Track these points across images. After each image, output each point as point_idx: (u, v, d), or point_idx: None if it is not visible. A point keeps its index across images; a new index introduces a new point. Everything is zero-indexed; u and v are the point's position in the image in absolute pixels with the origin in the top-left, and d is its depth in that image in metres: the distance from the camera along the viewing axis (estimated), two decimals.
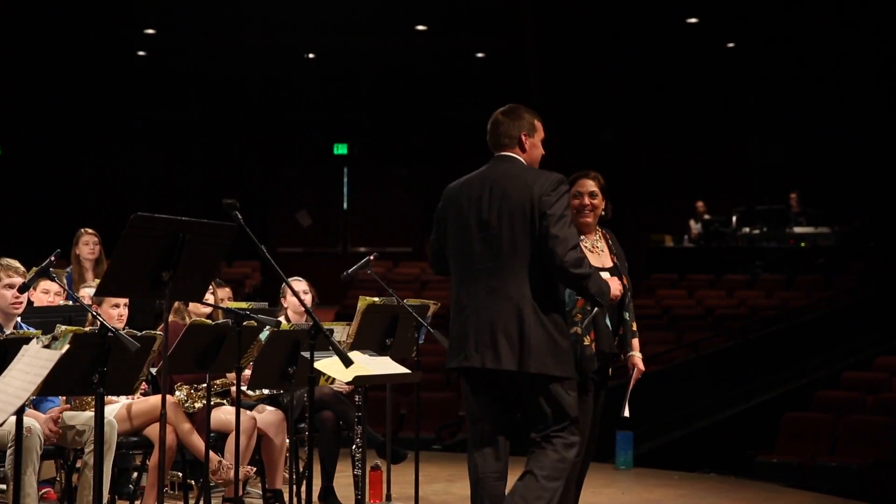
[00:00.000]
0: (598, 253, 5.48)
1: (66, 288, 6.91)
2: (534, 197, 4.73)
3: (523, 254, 4.74)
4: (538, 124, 4.97)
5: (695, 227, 20.41)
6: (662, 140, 21.22)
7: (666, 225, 20.58)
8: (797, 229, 19.57)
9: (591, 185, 5.47)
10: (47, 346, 4.81)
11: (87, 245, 8.55)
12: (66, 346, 4.76)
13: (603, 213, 5.51)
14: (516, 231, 4.75)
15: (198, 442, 6.11)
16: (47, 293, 7.02)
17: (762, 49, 20.29)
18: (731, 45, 20.45)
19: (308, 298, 7.15)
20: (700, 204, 20.54)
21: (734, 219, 20.26)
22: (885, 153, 19.92)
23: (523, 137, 4.92)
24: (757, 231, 19.94)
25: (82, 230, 8.65)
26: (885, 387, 12.58)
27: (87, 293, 6.82)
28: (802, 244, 19.44)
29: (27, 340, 4.90)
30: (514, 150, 4.93)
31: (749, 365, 14.65)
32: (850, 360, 14.68)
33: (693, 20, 19.53)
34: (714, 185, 21.01)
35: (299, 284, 7.23)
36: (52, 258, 5.23)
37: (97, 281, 6.97)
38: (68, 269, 8.56)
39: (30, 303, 6.67)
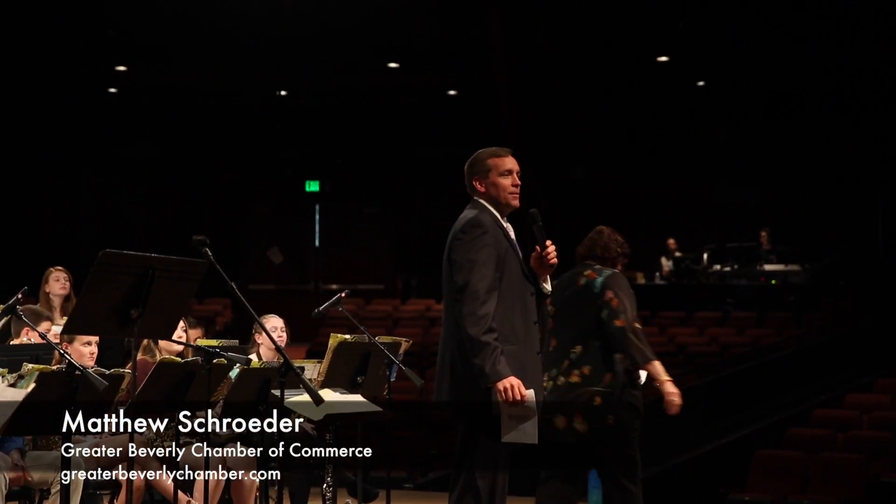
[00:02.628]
0: None
1: (33, 327, 6.83)
2: (449, 239, 4.91)
3: (449, 295, 4.88)
4: (492, 161, 5.07)
5: (666, 264, 20.45)
6: (633, 178, 21.30)
7: (637, 262, 20.56)
8: (768, 267, 19.63)
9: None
10: (13, 385, 4.75)
11: (59, 281, 8.43)
12: (32, 385, 4.71)
13: None
14: (445, 275, 4.92)
15: (165, 483, 6.04)
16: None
17: (732, 87, 20.44)
18: (701, 83, 20.59)
19: (283, 337, 7.16)
20: (671, 241, 20.59)
21: (705, 256, 20.32)
22: (856, 192, 20.06)
23: (476, 184, 5.06)
24: (728, 268, 19.99)
25: (51, 268, 8.53)
26: (856, 424, 12.60)
27: (55, 331, 6.75)
28: (773, 282, 19.50)
29: None
30: (476, 195, 5.08)
31: (720, 402, 14.64)
32: (821, 397, 14.70)
33: (663, 59, 19.66)
34: (685, 222, 21.09)
35: (276, 321, 7.22)
36: (20, 295, 5.19)
37: (66, 319, 6.90)
38: (37, 307, 8.47)
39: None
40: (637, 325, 5.98)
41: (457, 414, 4.88)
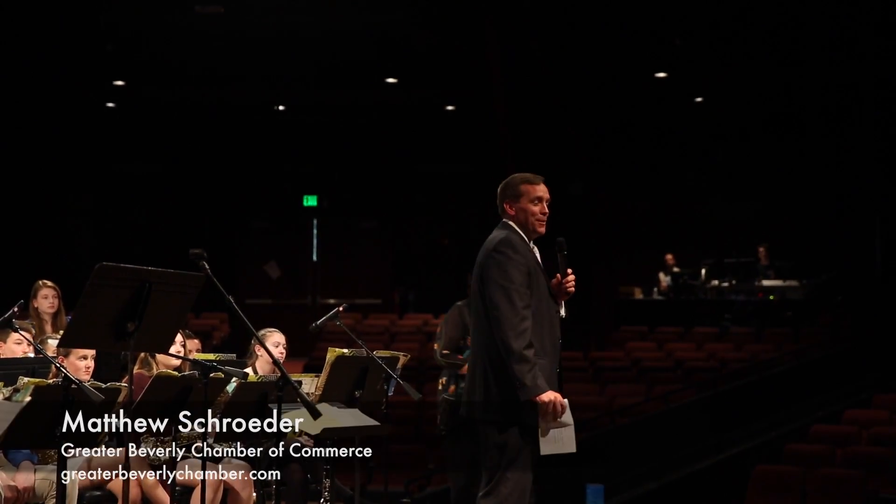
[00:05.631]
0: None
1: (31, 340, 6.81)
2: (482, 259, 5.14)
3: (483, 313, 5.10)
4: (526, 188, 5.28)
5: (664, 279, 20.44)
6: (631, 193, 21.31)
7: (635, 277, 20.62)
8: (766, 282, 19.62)
9: None
10: (8, 398, 4.73)
11: (47, 299, 8.37)
12: (28, 399, 4.69)
13: None
14: (475, 293, 5.17)
15: (162, 496, 6.02)
16: (20, 343, 6.92)
17: (730, 104, 20.45)
18: (699, 99, 20.61)
19: (283, 353, 7.18)
20: (669, 257, 20.58)
21: (703, 272, 20.31)
22: (854, 207, 20.06)
23: (506, 207, 5.28)
24: (726, 284, 19.98)
25: (40, 282, 8.47)
26: (854, 440, 12.58)
27: (51, 344, 6.73)
28: (771, 297, 19.49)
29: None
30: (505, 217, 5.29)
31: (719, 417, 14.60)
32: (819, 413, 14.67)
33: (661, 74, 19.68)
34: (683, 238, 21.08)
35: (278, 337, 7.23)
36: (15, 309, 5.17)
37: (60, 332, 6.87)
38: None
39: None
40: (446, 352, 6.92)
41: (491, 422, 5.06)
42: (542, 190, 5.29)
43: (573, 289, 5.27)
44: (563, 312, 5.31)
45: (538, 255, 5.24)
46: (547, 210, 5.28)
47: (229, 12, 17.81)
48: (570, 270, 5.26)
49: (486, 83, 19.42)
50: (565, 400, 5.01)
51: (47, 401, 4.74)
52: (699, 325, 18.75)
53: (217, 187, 22.22)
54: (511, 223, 5.24)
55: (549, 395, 4.93)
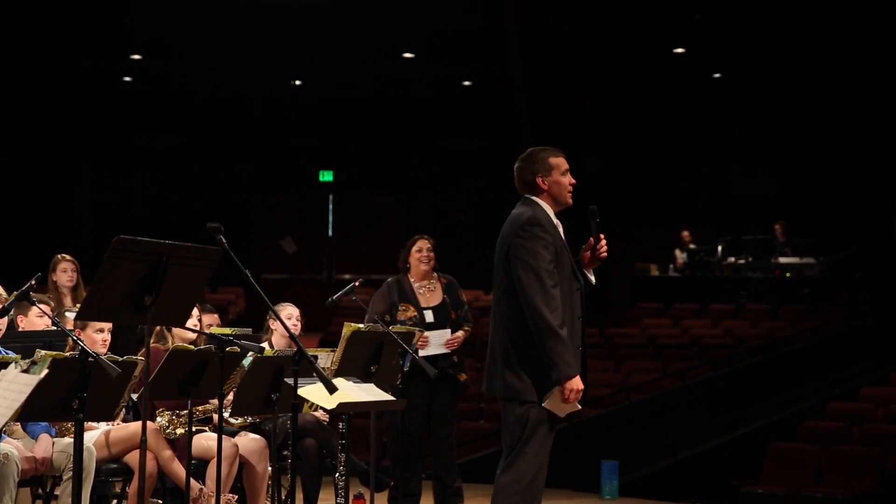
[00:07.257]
0: (427, 293, 7.41)
1: (48, 313, 6.83)
2: (507, 237, 5.12)
3: (505, 290, 5.13)
4: (555, 161, 5.30)
5: (680, 256, 20.39)
6: (648, 169, 21.23)
7: (651, 254, 20.57)
8: (782, 259, 19.56)
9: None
10: (25, 371, 4.74)
11: (66, 273, 8.42)
12: (45, 371, 4.69)
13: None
14: (499, 269, 5.16)
15: (178, 469, 6.03)
16: (42, 317, 6.95)
17: (748, 79, 20.35)
18: (717, 75, 20.51)
19: (298, 325, 7.18)
20: (685, 233, 20.53)
21: (720, 248, 20.25)
22: (871, 184, 19.96)
23: (539, 181, 5.26)
24: (742, 261, 19.93)
25: (59, 256, 8.52)
26: (870, 418, 12.55)
27: (69, 317, 6.75)
28: (788, 274, 19.43)
29: (5, 365, 4.83)
30: (533, 193, 5.25)
31: (735, 394, 14.60)
32: (835, 390, 14.64)
33: (680, 50, 19.58)
34: (700, 214, 21.02)
35: (291, 310, 7.23)
36: (33, 282, 5.17)
37: (78, 305, 6.89)
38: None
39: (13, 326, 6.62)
40: (371, 324, 6.93)
41: (511, 399, 5.09)
42: (566, 162, 5.32)
43: (605, 254, 5.28)
44: (593, 279, 5.33)
45: (561, 230, 5.22)
46: (574, 181, 5.31)
47: None
48: (602, 236, 5.27)
49: (503, 58, 19.36)
50: (581, 385, 5.04)
51: (64, 374, 4.75)
52: (715, 302, 18.72)
53: (233, 161, 22.23)
54: (537, 199, 5.23)
55: (574, 385, 4.96)
